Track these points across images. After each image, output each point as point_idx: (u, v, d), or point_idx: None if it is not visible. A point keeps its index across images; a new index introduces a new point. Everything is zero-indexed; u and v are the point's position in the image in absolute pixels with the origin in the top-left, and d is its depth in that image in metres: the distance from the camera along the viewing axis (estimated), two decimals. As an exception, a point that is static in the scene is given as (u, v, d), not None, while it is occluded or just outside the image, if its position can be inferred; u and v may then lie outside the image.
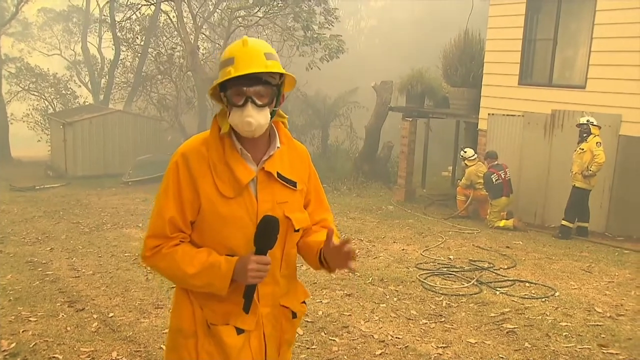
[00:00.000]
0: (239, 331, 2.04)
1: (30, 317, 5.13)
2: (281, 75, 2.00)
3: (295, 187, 2.11)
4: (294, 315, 2.20)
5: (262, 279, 1.97)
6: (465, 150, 10.80)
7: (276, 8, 15.73)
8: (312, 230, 2.24)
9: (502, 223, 9.71)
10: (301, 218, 2.13)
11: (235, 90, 1.93)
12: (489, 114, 10.85)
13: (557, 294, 5.96)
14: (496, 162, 10.00)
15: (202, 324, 2.03)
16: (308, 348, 4.49)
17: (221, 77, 1.95)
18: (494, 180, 9.81)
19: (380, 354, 4.41)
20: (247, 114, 1.91)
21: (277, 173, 2.05)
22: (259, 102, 1.93)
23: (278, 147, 2.07)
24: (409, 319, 5.20)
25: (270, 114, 1.98)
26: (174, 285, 2.14)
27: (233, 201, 1.96)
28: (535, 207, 10.20)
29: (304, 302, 2.27)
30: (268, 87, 1.95)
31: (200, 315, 2.03)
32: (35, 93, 26.31)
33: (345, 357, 4.36)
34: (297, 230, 2.11)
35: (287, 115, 2.16)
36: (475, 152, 10.79)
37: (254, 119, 1.92)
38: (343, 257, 1.97)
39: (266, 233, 1.93)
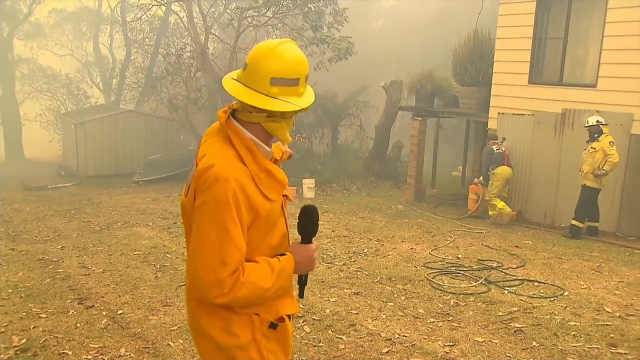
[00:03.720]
0: (289, 317, 2.12)
1: (40, 313, 5.19)
2: None
3: None
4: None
5: None
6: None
7: (285, 8, 15.75)
8: None
9: (500, 204, 9.77)
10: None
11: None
12: (498, 113, 10.80)
13: (566, 293, 5.92)
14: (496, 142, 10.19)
15: (260, 328, 2.01)
16: (315, 346, 4.51)
17: (286, 95, 1.91)
18: (494, 149, 9.93)
19: (386, 352, 4.41)
20: (291, 126, 2.02)
21: (278, 160, 2.14)
22: None
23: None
24: (417, 317, 5.20)
25: None
26: (183, 284, 2.13)
27: (275, 202, 2.00)
28: (545, 206, 10.13)
29: None
30: None
31: (258, 321, 2.00)
32: (48, 93, 26.58)
33: (352, 355, 4.37)
34: None
35: None
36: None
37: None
38: None
39: (311, 222, 2.06)
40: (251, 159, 1.93)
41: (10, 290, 5.86)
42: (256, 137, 1.96)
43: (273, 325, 2.04)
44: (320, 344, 4.54)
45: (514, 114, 10.54)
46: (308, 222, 2.05)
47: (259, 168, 1.94)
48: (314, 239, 2.09)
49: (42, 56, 28.02)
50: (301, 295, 2.14)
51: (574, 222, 8.87)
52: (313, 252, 2.06)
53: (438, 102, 13.50)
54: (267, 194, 1.94)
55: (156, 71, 21.87)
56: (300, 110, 1.93)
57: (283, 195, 2.14)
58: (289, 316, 2.11)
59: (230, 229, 1.84)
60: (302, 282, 2.12)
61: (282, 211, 2.08)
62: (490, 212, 10.13)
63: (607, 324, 5.05)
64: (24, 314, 5.17)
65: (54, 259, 7.29)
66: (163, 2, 18.52)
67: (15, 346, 4.41)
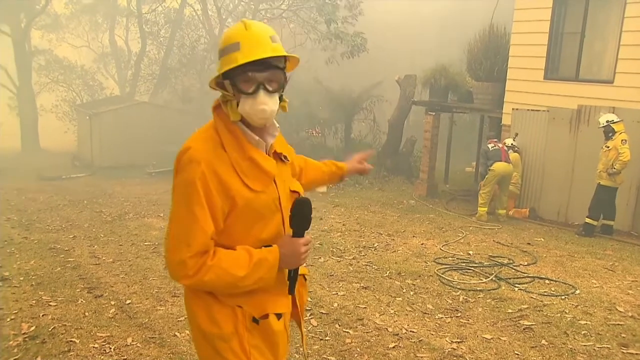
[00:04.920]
0: (279, 316, 2.05)
1: (50, 301, 5.23)
2: (285, 58, 1.96)
3: (288, 160, 2.15)
4: (305, 278, 2.26)
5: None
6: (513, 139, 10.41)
7: (299, 0, 15.72)
8: (310, 169, 2.61)
9: (482, 207, 9.86)
10: (299, 185, 2.19)
11: (244, 77, 1.86)
12: (513, 109, 10.67)
13: (577, 291, 5.84)
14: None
15: (243, 321, 1.96)
16: (321, 339, 4.49)
17: (226, 64, 1.86)
18: (489, 147, 9.83)
19: (393, 347, 4.38)
20: (260, 101, 1.86)
21: (281, 153, 2.09)
22: (269, 88, 1.88)
23: (278, 127, 2.04)
24: (425, 313, 5.16)
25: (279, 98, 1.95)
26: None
27: (262, 194, 1.94)
28: (558, 204, 10.00)
29: None
30: (277, 71, 1.90)
31: (241, 314, 1.96)
32: (64, 84, 26.79)
33: (358, 349, 4.34)
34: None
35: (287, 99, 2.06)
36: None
37: (267, 106, 1.87)
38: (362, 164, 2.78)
39: (303, 215, 1.97)
40: (234, 145, 1.90)
41: (21, 278, 5.92)
42: (247, 127, 1.94)
43: (255, 320, 1.99)
44: (327, 338, 4.52)
45: (528, 109, 10.41)
46: (298, 215, 1.98)
47: (241, 156, 1.90)
48: (307, 233, 2.01)
49: (59, 47, 28.22)
50: (291, 291, 2.06)
51: (587, 220, 8.76)
52: (301, 246, 1.96)
53: (452, 97, 13.37)
54: (249, 184, 1.90)
55: (170, 63, 21.95)
56: (236, 65, 1.84)
57: (293, 191, 2.10)
58: (278, 315, 2.05)
59: (195, 211, 1.82)
60: (291, 277, 2.04)
61: (278, 207, 2.00)
62: (498, 211, 9.98)
63: (618, 324, 4.97)
64: (34, 301, 5.22)
65: (66, 248, 7.35)
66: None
67: (24, 333, 4.45)
